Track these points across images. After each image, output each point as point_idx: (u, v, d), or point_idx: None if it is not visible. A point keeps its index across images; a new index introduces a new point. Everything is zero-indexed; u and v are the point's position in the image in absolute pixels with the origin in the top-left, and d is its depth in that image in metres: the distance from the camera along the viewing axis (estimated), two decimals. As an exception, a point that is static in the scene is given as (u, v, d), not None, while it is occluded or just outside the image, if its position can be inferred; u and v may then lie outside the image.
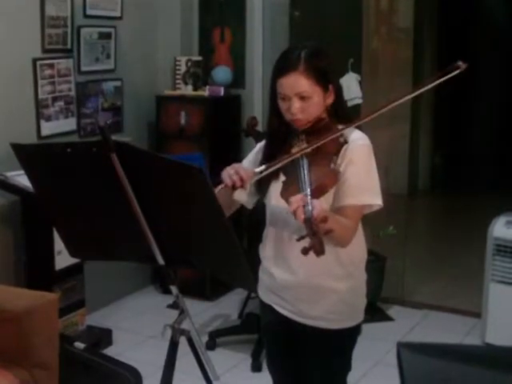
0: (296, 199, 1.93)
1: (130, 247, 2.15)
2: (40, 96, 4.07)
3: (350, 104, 3.37)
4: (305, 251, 1.87)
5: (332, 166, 2.12)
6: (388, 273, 4.62)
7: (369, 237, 2.40)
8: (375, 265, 4.38)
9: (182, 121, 4.72)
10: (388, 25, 5.67)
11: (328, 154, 2.13)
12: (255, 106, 4.95)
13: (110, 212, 2.07)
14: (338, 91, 2.27)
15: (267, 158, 2.25)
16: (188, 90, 4.84)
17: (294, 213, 1.91)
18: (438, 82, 2.19)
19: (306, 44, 2.25)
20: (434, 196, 7.96)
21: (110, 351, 3.93)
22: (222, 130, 4.83)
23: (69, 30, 4.20)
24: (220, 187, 2.11)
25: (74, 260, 3.50)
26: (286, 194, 2.05)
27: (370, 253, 2.52)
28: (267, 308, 2.40)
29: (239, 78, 4.96)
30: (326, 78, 2.21)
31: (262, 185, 2.27)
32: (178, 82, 4.87)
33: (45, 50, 4.08)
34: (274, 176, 2.21)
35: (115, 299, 4.73)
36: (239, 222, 4.06)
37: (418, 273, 5.14)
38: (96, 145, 1.93)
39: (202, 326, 4.32)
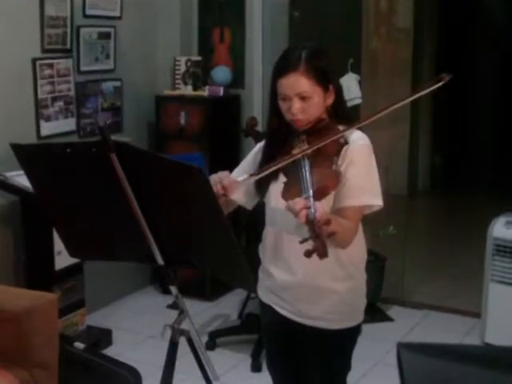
0: (298, 201, 1.93)
1: (129, 247, 2.15)
2: (39, 96, 4.07)
3: (349, 104, 3.36)
4: (308, 254, 1.87)
5: (334, 167, 2.11)
6: (388, 273, 4.62)
7: (369, 237, 2.40)
8: (375, 265, 4.38)
9: (182, 121, 4.72)
10: (388, 25, 5.67)
11: (329, 154, 2.13)
12: (255, 106, 4.95)
13: (109, 212, 2.07)
14: (339, 91, 2.27)
15: (267, 158, 2.25)
16: (188, 90, 4.84)
17: (297, 214, 1.91)
18: (421, 93, 2.20)
19: (307, 44, 2.25)
20: (433, 196, 7.96)
21: (109, 351, 3.93)
22: (222, 130, 4.83)
23: (68, 30, 4.19)
24: None
25: (74, 260, 3.50)
26: (287, 195, 2.05)
27: (370, 253, 2.52)
28: (267, 308, 2.40)
29: (239, 78, 4.96)
30: (327, 78, 2.21)
31: (262, 185, 2.27)
32: (177, 82, 4.87)
33: (44, 50, 4.08)
34: (273, 177, 2.21)
35: (115, 299, 4.73)
36: (238, 222, 4.06)
37: (417, 273, 5.14)
38: (96, 145, 1.93)
39: (201, 326, 4.32)
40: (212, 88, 4.79)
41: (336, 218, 2.04)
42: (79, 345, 3.21)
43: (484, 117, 8.04)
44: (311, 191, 1.98)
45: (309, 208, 1.89)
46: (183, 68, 4.84)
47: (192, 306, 3.27)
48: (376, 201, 2.19)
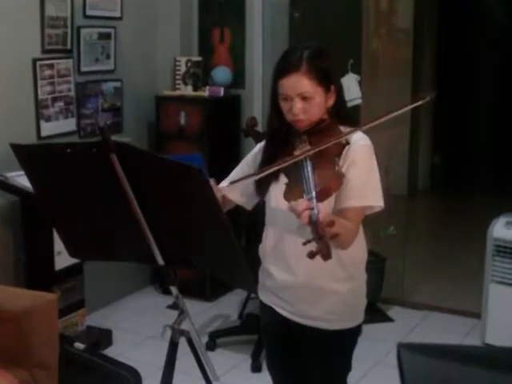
0: (301, 202, 1.93)
1: (129, 247, 2.15)
2: (40, 96, 4.07)
3: (349, 105, 3.35)
4: (311, 255, 1.86)
5: (336, 168, 2.11)
6: (388, 273, 4.62)
7: (369, 237, 2.40)
8: (375, 265, 4.38)
9: (182, 121, 4.72)
10: (388, 25, 5.68)
11: (330, 155, 2.13)
12: (255, 107, 4.95)
13: (109, 212, 2.07)
14: (340, 92, 2.27)
15: (268, 158, 2.25)
16: (188, 91, 4.84)
17: (299, 215, 1.90)
18: (408, 108, 2.19)
19: (308, 44, 2.24)
20: (433, 196, 7.96)
21: (109, 351, 3.93)
22: (222, 131, 4.83)
23: (69, 31, 4.19)
24: None
25: (74, 260, 3.50)
26: (289, 195, 2.05)
27: (370, 253, 2.52)
28: (267, 308, 2.40)
29: (239, 78, 4.96)
30: (328, 78, 2.21)
31: (262, 186, 2.27)
32: (177, 82, 4.87)
33: (44, 51, 4.08)
34: (274, 177, 2.21)
35: (115, 299, 4.73)
36: (238, 222, 4.06)
37: (417, 273, 5.14)
38: (96, 145, 1.93)
39: (201, 326, 4.32)
40: (212, 88, 4.79)
41: (338, 219, 2.03)
42: (79, 345, 3.21)
43: (484, 117, 8.04)
44: (314, 192, 1.97)
45: (312, 209, 1.89)
46: (183, 68, 4.84)
47: (192, 306, 3.26)
48: (377, 202, 2.19)
